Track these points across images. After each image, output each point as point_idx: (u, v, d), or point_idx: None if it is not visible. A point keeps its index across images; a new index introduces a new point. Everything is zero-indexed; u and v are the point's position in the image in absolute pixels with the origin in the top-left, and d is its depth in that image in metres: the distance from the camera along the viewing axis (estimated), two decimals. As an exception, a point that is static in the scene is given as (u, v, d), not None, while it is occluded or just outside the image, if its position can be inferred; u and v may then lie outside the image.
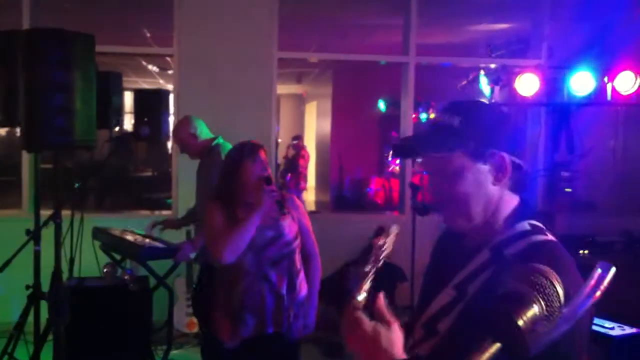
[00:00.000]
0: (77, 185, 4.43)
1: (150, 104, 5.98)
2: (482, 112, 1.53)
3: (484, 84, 5.05)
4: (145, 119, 5.89)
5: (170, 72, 12.88)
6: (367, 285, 1.32)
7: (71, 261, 4.10)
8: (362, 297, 1.31)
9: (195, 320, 5.53)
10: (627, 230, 5.04)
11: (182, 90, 6.06)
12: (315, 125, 15.79)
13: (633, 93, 4.85)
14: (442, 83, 8.52)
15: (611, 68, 4.81)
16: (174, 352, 4.58)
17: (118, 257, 4.61)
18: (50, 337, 4.20)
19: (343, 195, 10.64)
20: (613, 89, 4.75)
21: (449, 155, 1.47)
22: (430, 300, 1.52)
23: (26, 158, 6.04)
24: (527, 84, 4.83)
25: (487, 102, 1.40)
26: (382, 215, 8.52)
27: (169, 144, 11.76)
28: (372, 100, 11.22)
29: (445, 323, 1.45)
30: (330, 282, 4.90)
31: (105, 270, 4.35)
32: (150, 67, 12.76)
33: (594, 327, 3.39)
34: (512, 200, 1.51)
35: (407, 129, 6.53)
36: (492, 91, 4.97)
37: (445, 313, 1.46)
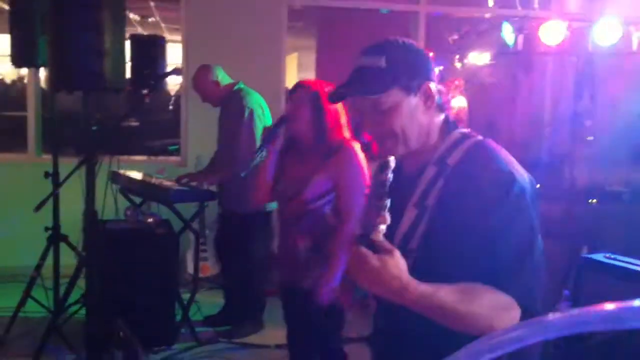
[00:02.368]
0: (94, 128, 4.35)
1: (147, 51, 5.84)
2: (402, 48, 1.64)
3: (508, 33, 5.03)
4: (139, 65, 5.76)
5: (150, 19, 12.57)
6: (387, 216, 1.40)
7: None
8: (383, 227, 1.38)
9: (208, 264, 5.54)
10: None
11: (190, 39, 5.93)
12: (297, 78, 15.65)
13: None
14: (434, 35, 8.41)
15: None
16: (188, 296, 4.47)
17: (137, 201, 4.57)
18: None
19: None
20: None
21: (385, 93, 1.58)
22: (396, 226, 1.59)
23: (31, 103, 5.89)
24: (552, 33, 4.82)
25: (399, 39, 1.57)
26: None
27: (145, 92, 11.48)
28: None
29: (416, 239, 1.58)
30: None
31: (128, 213, 4.31)
32: (131, 15, 12.40)
33: (633, 267, 3.34)
34: (439, 119, 1.66)
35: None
36: (516, 40, 4.97)
37: (413, 230, 1.59)
